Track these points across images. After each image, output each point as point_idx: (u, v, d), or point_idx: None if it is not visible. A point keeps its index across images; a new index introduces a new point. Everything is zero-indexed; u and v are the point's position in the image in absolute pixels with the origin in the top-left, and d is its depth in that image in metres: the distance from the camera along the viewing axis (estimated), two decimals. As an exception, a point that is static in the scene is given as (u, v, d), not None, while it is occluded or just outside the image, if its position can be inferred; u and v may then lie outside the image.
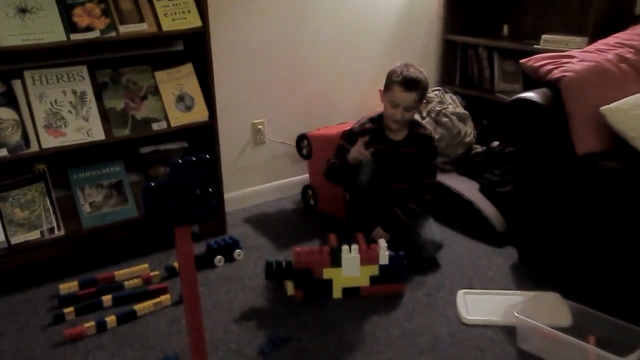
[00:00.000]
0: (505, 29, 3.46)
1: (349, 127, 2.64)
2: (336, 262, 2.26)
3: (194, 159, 1.42)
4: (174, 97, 2.60)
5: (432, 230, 2.55)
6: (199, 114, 2.62)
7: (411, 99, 2.43)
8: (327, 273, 2.27)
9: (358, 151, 2.43)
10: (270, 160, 3.20)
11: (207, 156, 1.45)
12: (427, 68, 3.53)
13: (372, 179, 2.49)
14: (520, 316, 1.99)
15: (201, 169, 1.45)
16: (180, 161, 1.41)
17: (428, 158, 2.59)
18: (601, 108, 2.26)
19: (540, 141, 2.34)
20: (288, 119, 3.17)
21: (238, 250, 2.60)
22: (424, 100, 2.60)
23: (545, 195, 2.41)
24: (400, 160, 2.55)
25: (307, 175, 3.17)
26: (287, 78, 3.12)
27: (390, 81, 2.46)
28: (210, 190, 1.47)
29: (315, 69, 3.19)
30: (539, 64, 2.51)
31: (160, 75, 2.60)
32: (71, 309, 2.20)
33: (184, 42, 2.72)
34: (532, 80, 2.59)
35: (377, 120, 2.57)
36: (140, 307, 2.21)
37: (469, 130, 3.20)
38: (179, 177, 1.41)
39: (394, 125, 2.50)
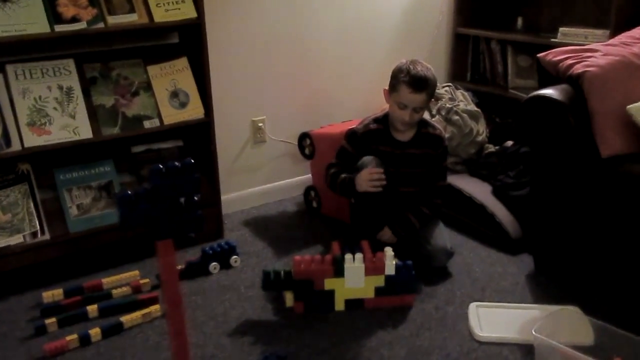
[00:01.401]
0: (520, 21, 3.30)
1: (353, 126, 2.47)
2: (339, 272, 2.10)
3: (177, 163, 1.26)
4: (167, 93, 2.44)
5: (443, 236, 2.38)
6: (194, 111, 2.46)
7: (420, 100, 2.27)
8: (329, 284, 2.11)
9: (366, 182, 2.27)
10: (270, 160, 3.04)
11: (192, 160, 1.29)
12: (436, 63, 3.41)
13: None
14: (539, 335, 1.82)
15: (186, 175, 1.28)
16: (161, 166, 1.25)
17: (438, 160, 2.42)
18: (628, 106, 2.08)
19: (560, 142, 2.16)
20: (290, 116, 3.02)
21: (235, 257, 2.44)
22: (433, 99, 2.42)
23: (564, 200, 2.24)
24: (408, 162, 2.38)
25: (309, 175, 3.01)
26: (289, 73, 2.96)
27: (397, 81, 2.29)
28: (196, 198, 1.31)
29: (318, 64, 3.02)
30: (558, 58, 2.34)
31: (152, 69, 2.45)
32: (54, 319, 2.05)
33: (179, 34, 2.57)
34: (549, 76, 2.42)
35: (382, 120, 2.40)
36: (127, 319, 2.05)
37: (481, 129, 3.04)
38: (161, 184, 1.25)
39: (401, 127, 2.34)
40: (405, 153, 2.37)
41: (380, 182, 2.25)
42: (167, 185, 1.24)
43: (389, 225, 2.40)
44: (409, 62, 2.29)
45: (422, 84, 2.24)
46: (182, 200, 1.28)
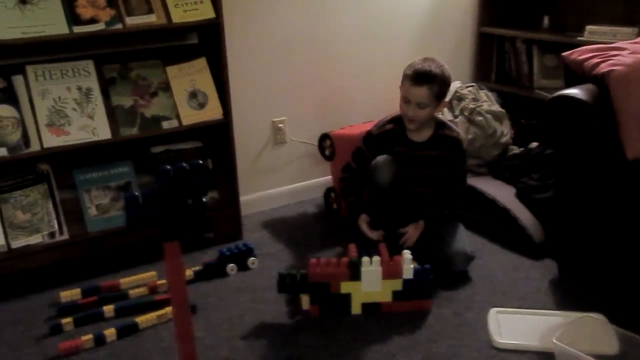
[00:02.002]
0: (546, 20, 3.22)
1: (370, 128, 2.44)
2: (355, 275, 2.06)
3: (184, 165, 1.25)
4: (186, 93, 2.44)
5: (463, 240, 2.33)
6: (213, 111, 2.45)
7: (422, 95, 2.22)
8: (345, 287, 2.08)
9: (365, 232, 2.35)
10: (290, 161, 3.02)
11: (201, 162, 1.27)
12: (460, 63, 3.36)
13: (393, 180, 2.30)
14: (560, 343, 1.76)
15: (194, 177, 1.27)
16: (168, 167, 1.23)
17: (455, 163, 2.37)
18: (655, 107, 2.01)
19: (585, 143, 2.10)
20: (310, 117, 2.99)
21: (252, 258, 2.42)
22: (446, 99, 2.37)
23: (589, 204, 2.17)
24: (424, 164, 2.34)
25: (330, 177, 2.98)
26: (309, 73, 2.93)
27: (404, 75, 2.28)
28: (204, 200, 1.29)
29: (339, 64, 2.99)
30: (583, 57, 2.27)
31: (171, 70, 2.45)
32: (69, 319, 2.05)
33: (198, 34, 2.56)
34: (575, 75, 2.35)
35: (398, 121, 2.37)
36: (142, 320, 2.05)
37: (505, 130, 2.98)
38: (168, 186, 1.24)
39: (409, 124, 2.30)
40: (421, 154, 2.34)
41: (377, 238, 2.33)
42: (173, 186, 1.22)
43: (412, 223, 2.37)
44: (421, 59, 2.27)
45: (423, 77, 2.21)
46: (190, 202, 1.26)
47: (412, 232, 2.35)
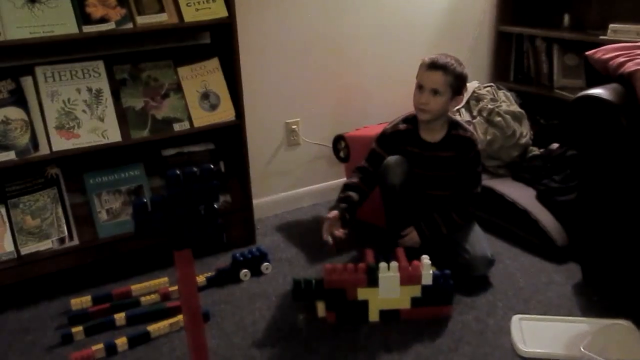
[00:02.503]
0: (566, 18, 3.14)
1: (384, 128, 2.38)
2: (373, 281, 2.00)
3: (195, 169, 1.19)
4: (198, 94, 2.38)
5: (482, 243, 2.26)
6: (225, 113, 2.40)
7: (437, 80, 2.17)
8: (363, 293, 2.01)
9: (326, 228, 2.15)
10: (304, 163, 2.96)
11: (212, 166, 1.22)
12: (478, 62, 3.29)
13: (404, 181, 2.24)
14: (588, 352, 1.69)
15: (205, 182, 1.21)
16: (178, 172, 1.17)
17: (469, 164, 2.29)
18: (686, 107, 1.93)
19: (611, 144, 2.02)
20: (324, 118, 2.93)
21: (266, 264, 2.37)
22: (463, 99, 2.29)
23: (615, 206, 2.09)
24: (437, 165, 2.27)
25: (344, 179, 2.91)
26: (324, 73, 2.87)
27: (420, 66, 2.25)
28: (216, 206, 1.23)
29: (354, 64, 2.93)
30: (608, 56, 2.19)
31: (183, 71, 2.39)
32: (80, 328, 2.00)
33: (211, 34, 2.51)
34: (597, 74, 2.28)
35: (412, 120, 2.30)
36: (154, 328, 1.99)
37: (524, 131, 2.90)
38: (178, 192, 1.18)
39: (422, 115, 2.23)
40: (434, 155, 2.27)
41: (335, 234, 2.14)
42: (184, 192, 1.16)
43: (414, 226, 2.29)
44: (439, 54, 2.24)
45: (438, 63, 2.18)
46: (201, 208, 1.20)
47: (414, 233, 2.29)
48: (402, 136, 2.28)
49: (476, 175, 2.31)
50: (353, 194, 2.24)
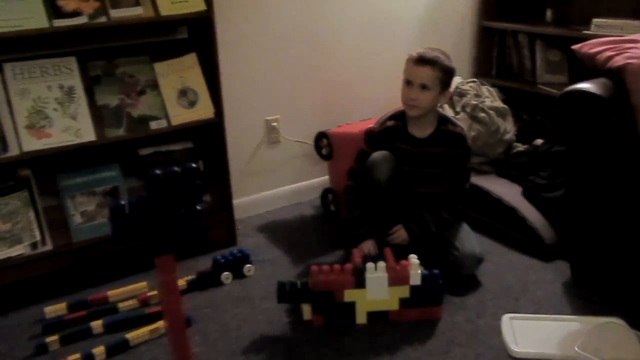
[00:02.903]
0: (549, 13, 3.11)
1: (371, 126, 2.32)
2: (360, 282, 1.93)
3: (176, 169, 1.11)
4: (175, 91, 2.30)
5: (471, 241, 2.21)
6: (204, 110, 2.32)
7: (426, 75, 2.13)
8: (350, 295, 1.95)
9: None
10: (285, 162, 2.88)
11: (194, 165, 1.14)
12: (461, 58, 3.24)
13: (391, 178, 2.18)
14: (583, 352, 1.65)
15: (187, 182, 1.13)
16: (158, 172, 1.09)
17: (459, 160, 2.25)
18: (678, 101, 1.90)
19: (600, 140, 1.98)
20: (305, 115, 2.86)
21: (248, 265, 2.29)
22: (449, 90, 2.23)
23: (604, 202, 2.06)
24: (427, 162, 2.22)
25: (327, 177, 2.85)
26: (305, 69, 2.80)
27: (407, 61, 2.20)
28: (199, 208, 1.15)
29: (336, 59, 2.86)
30: (595, 50, 2.16)
31: (160, 67, 2.30)
32: (56, 337, 1.91)
33: (188, 29, 2.42)
34: (582, 70, 2.24)
35: (400, 117, 2.25)
36: (133, 336, 1.91)
37: (508, 127, 2.86)
38: (158, 193, 1.10)
39: (410, 110, 2.18)
40: (424, 151, 2.22)
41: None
42: (164, 193, 1.09)
43: (403, 223, 2.24)
44: (426, 48, 2.21)
45: (426, 58, 2.14)
46: (183, 210, 1.12)
47: (402, 231, 2.24)
48: (391, 133, 2.23)
49: (465, 171, 2.27)
50: (365, 213, 2.26)
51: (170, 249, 1.13)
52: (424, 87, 2.13)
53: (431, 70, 2.12)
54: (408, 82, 2.16)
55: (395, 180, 2.19)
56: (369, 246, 2.21)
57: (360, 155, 2.27)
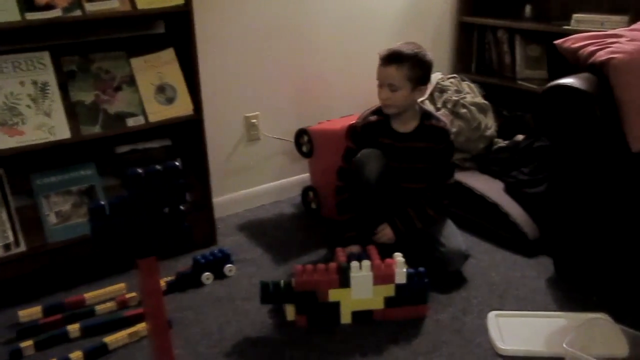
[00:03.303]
0: (528, 9, 3.10)
1: (354, 122, 2.29)
2: (345, 281, 1.90)
3: (158, 167, 1.06)
4: (153, 87, 2.24)
5: (457, 238, 2.19)
6: (182, 107, 2.26)
7: (392, 75, 2.08)
8: (334, 295, 1.91)
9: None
10: (265, 159, 2.84)
11: (177, 163, 1.09)
12: (441, 53, 3.22)
13: (381, 175, 2.15)
14: (572, 349, 1.63)
15: (170, 181, 1.08)
16: (139, 171, 1.04)
17: (443, 155, 2.22)
18: (663, 96, 1.89)
19: (584, 135, 1.97)
20: (285, 111, 2.81)
21: (229, 265, 2.24)
22: (426, 85, 2.18)
23: (588, 198, 2.05)
24: (411, 156, 2.20)
25: (307, 175, 2.81)
26: (285, 65, 2.75)
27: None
28: (182, 208, 1.10)
29: (316, 55, 2.82)
30: (578, 44, 2.15)
31: (136, 62, 2.24)
32: (30, 342, 1.84)
33: (165, 23, 2.36)
34: (563, 65, 2.24)
35: (381, 111, 2.22)
36: (112, 340, 1.85)
37: (489, 123, 2.85)
38: (139, 193, 1.05)
39: (385, 109, 2.17)
40: (407, 146, 2.19)
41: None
42: (147, 193, 1.04)
43: (388, 221, 2.21)
44: (401, 43, 2.17)
45: (391, 56, 2.09)
46: (166, 210, 1.08)
47: (388, 229, 2.21)
48: (373, 128, 2.20)
49: (449, 166, 2.25)
50: (356, 215, 2.24)
51: (153, 251, 1.08)
52: (392, 87, 2.09)
53: (396, 70, 2.07)
54: (379, 84, 2.14)
55: (385, 177, 2.16)
56: (354, 250, 2.17)
57: (347, 152, 2.24)
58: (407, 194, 2.23)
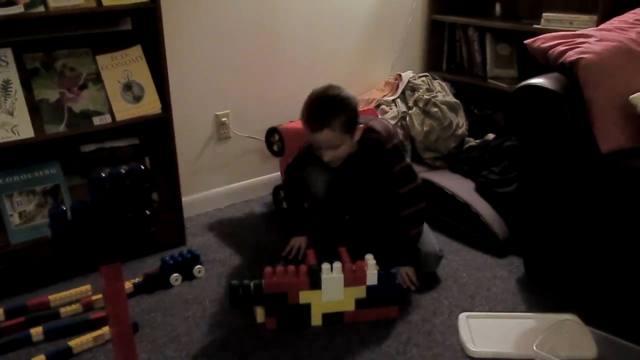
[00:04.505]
0: (497, 7, 3.11)
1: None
2: (315, 283, 1.88)
3: (122, 170, 1.03)
4: (119, 85, 2.19)
5: (431, 240, 2.17)
6: (150, 105, 2.22)
7: (328, 138, 1.98)
8: (305, 297, 1.89)
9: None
10: (236, 158, 2.80)
11: (142, 167, 1.06)
12: (411, 52, 3.22)
13: (328, 190, 2.17)
14: (541, 352, 1.64)
15: (135, 185, 1.05)
16: (103, 175, 1.01)
17: (388, 165, 2.07)
18: (631, 97, 1.90)
19: (555, 135, 1.97)
20: (256, 110, 2.78)
21: (198, 266, 2.21)
22: (359, 124, 2.05)
23: (557, 198, 2.06)
24: (354, 173, 2.15)
25: (278, 174, 2.79)
26: (255, 63, 2.72)
27: (302, 123, 2.05)
28: (148, 213, 1.07)
29: (287, 53, 2.80)
30: (548, 44, 2.15)
31: (102, 59, 2.19)
32: (-9, 346, 1.79)
33: (132, 20, 2.31)
34: (532, 64, 2.24)
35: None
36: (77, 343, 1.80)
37: (461, 122, 2.85)
38: (103, 198, 1.02)
39: (333, 165, 2.08)
40: (349, 168, 2.13)
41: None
42: (110, 198, 1.00)
43: (397, 264, 2.10)
44: (316, 93, 2.03)
45: (318, 121, 1.96)
46: (131, 215, 1.04)
47: (402, 269, 2.10)
48: (309, 158, 2.18)
49: (403, 172, 2.08)
50: (299, 210, 2.32)
51: (117, 257, 1.05)
52: (333, 146, 2.01)
53: (331, 131, 1.96)
54: (316, 147, 2.05)
55: (333, 192, 2.18)
56: (300, 242, 2.25)
57: (298, 157, 2.23)
58: (357, 203, 2.25)
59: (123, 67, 2.21)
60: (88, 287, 2.08)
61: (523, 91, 2.02)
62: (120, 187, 1.03)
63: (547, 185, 2.08)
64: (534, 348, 1.64)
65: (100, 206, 1.00)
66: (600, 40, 2.06)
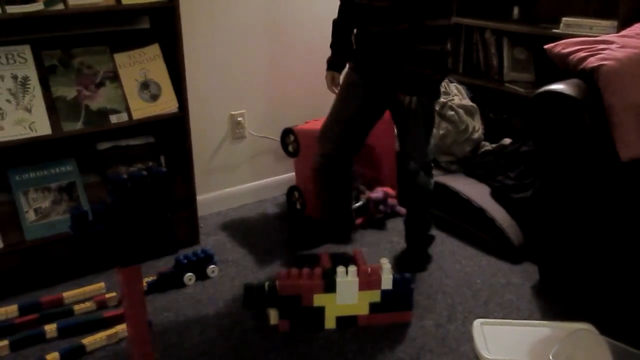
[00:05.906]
0: (516, 10, 3.08)
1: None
2: (329, 286, 1.88)
3: (144, 173, 1.02)
4: (136, 84, 2.20)
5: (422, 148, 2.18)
6: (167, 104, 2.22)
7: None
8: (319, 300, 1.89)
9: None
10: (251, 158, 2.80)
11: (165, 169, 1.06)
12: (429, 54, 3.19)
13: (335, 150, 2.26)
14: (557, 361, 1.62)
15: (156, 187, 1.04)
16: (124, 177, 1.01)
17: None
18: (653, 105, 1.88)
19: (573, 141, 1.95)
20: (272, 110, 2.78)
21: (212, 266, 2.21)
22: None
23: (575, 205, 2.04)
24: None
25: (293, 174, 2.78)
26: (271, 63, 2.72)
27: None
28: (169, 215, 1.07)
29: (304, 53, 2.79)
30: (568, 50, 2.13)
31: (120, 57, 2.20)
32: (5, 342, 1.80)
33: (150, 18, 2.31)
34: (551, 69, 2.22)
35: None
36: (90, 341, 1.81)
37: (477, 125, 2.83)
38: (124, 200, 1.01)
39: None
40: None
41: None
42: (131, 200, 1.00)
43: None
44: None
45: None
46: (151, 218, 1.04)
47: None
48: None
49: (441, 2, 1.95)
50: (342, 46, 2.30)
51: (137, 259, 1.05)
52: None
53: None
54: None
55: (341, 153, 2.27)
56: (332, 75, 2.32)
57: None
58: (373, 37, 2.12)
59: (140, 65, 2.21)
60: (101, 285, 2.09)
61: (543, 97, 2.00)
62: (141, 190, 1.02)
63: (564, 192, 2.06)
64: (550, 358, 1.63)
65: (121, 209, 1.00)
66: (622, 46, 2.04)
